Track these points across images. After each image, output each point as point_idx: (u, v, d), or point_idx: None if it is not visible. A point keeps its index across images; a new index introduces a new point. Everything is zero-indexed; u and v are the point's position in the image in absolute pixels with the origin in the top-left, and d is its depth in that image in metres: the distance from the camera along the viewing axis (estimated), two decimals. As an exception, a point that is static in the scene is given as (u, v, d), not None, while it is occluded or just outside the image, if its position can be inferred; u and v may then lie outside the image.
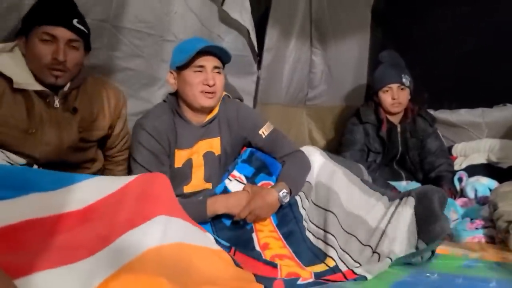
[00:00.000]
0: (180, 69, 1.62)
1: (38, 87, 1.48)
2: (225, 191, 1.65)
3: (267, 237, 1.50)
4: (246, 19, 2.49)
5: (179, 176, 1.67)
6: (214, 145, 1.73)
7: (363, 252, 1.43)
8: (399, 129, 2.45)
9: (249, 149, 1.75)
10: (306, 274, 1.34)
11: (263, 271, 1.31)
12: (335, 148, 3.17)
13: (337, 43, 3.10)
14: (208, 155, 1.72)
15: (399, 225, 1.42)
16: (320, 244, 1.53)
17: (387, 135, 2.41)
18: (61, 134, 1.55)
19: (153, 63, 2.17)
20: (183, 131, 1.67)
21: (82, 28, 1.51)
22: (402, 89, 2.36)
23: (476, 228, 1.70)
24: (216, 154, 1.73)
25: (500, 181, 1.98)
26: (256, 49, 2.67)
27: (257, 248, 1.49)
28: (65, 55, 1.45)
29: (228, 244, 1.39)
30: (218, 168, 1.73)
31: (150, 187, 1.20)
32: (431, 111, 2.62)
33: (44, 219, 1.03)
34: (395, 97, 2.35)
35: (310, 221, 1.60)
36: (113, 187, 1.19)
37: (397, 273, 1.30)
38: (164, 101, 1.73)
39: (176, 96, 1.70)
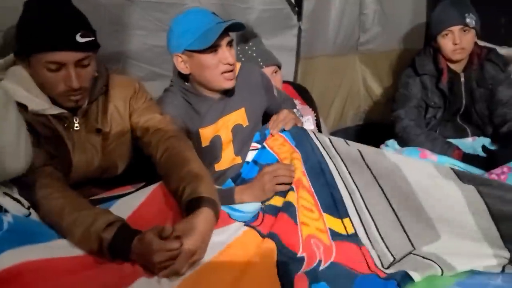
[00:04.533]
0: (191, 51, 1.50)
1: (54, 110, 1.29)
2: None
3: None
4: None
5: (209, 156, 1.62)
6: (240, 116, 1.67)
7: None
8: (462, 79, 2.11)
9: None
10: (321, 225, 1.30)
11: (284, 226, 1.25)
12: (393, 96, 2.90)
13: (390, -22, 2.69)
14: (236, 129, 1.66)
15: None
16: (346, 198, 1.38)
17: (448, 87, 2.10)
18: (88, 159, 1.39)
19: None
20: (202, 109, 1.60)
21: (88, 40, 1.25)
22: (465, 31, 2.01)
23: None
24: (244, 126, 1.68)
25: None
26: (293, -1, 2.39)
27: None
28: (78, 79, 1.25)
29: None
30: (248, 139, 1.66)
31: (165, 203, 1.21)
32: (503, 49, 2.23)
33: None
34: (457, 41, 2.00)
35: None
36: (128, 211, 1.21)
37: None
38: (171, 85, 1.64)
39: (184, 77, 1.60)
